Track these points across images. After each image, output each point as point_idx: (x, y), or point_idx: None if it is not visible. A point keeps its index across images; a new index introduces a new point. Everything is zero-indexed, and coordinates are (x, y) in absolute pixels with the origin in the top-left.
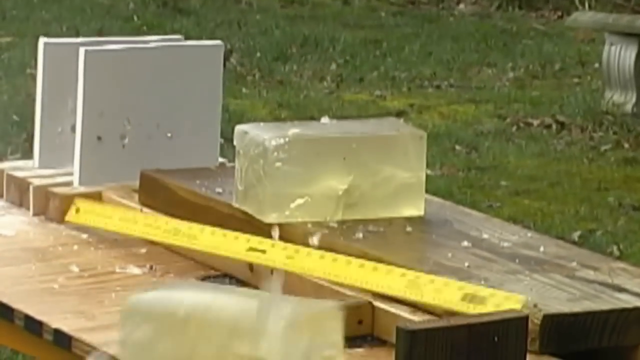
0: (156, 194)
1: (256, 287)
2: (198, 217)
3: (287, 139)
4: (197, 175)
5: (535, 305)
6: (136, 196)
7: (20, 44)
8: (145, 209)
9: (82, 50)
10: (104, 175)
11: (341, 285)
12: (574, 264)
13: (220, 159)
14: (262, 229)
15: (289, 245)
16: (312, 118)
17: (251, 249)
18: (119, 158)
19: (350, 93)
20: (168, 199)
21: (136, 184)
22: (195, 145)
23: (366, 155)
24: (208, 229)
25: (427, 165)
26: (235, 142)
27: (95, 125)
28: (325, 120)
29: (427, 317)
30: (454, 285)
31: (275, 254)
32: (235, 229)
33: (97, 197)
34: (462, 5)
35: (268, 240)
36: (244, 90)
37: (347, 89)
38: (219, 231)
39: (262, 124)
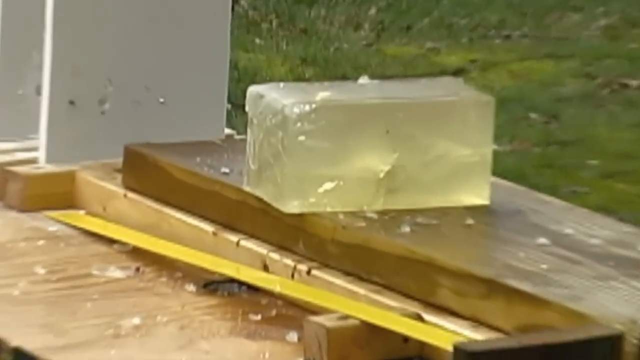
0: (145, 174)
1: (272, 294)
2: (199, 205)
3: (313, 106)
4: (197, 151)
5: (634, 322)
6: (119, 177)
7: None
8: (130, 194)
9: None
10: (78, 150)
11: (381, 293)
12: None
13: (227, 131)
14: (280, 221)
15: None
16: (345, 78)
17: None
18: (97, 128)
19: (394, 45)
20: (160, 182)
21: (119, 161)
22: (195, 112)
23: (415, 126)
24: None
25: (494, 139)
26: (247, 109)
27: (67, 86)
28: (362, 80)
29: (491, 334)
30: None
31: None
32: (246, 219)
33: (69, 177)
34: None
35: (261, 274)
36: (257, 41)
37: (390, 40)
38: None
39: (281, 84)
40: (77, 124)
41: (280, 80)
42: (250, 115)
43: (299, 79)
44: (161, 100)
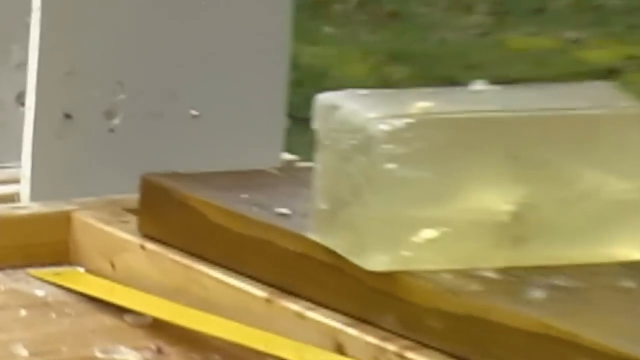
0: (169, 216)
1: None
2: (245, 260)
3: (408, 121)
4: (243, 184)
5: None
6: (133, 220)
7: None
8: (148, 244)
9: None
10: (75, 181)
11: None
12: None
13: (286, 156)
14: (360, 283)
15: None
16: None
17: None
18: (102, 152)
19: (519, 35)
20: (191, 227)
21: (133, 198)
22: (240, 129)
23: (552, 149)
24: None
25: None
26: (314, 125)
27: (61, 93)
28: (477, 85)
29: None
30: None
31: None
32: (312, 281)
33: (62, 221)
34: None
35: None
36: (327, 29)
37: (515, 27)
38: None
39: (362, 91)
40: (75, 146)
41: (360, 83)
42: (319, 134)
43: (387, 82)
44: (193, 112)
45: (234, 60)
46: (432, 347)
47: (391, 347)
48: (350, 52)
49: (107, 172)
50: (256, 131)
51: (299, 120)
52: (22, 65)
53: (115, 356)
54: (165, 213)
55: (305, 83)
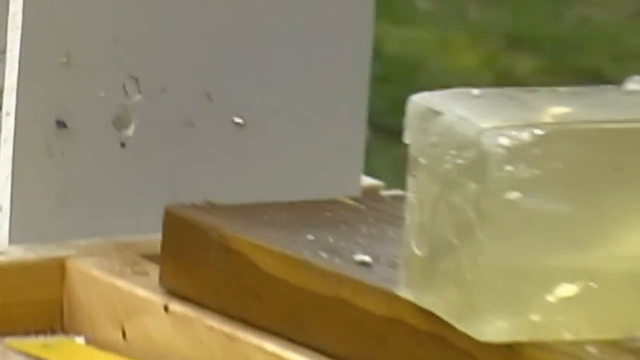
0: (203, 265)
1: None
2: (310, 326)
3: (538, 132)
4: (307, 220)
5: None
6: (152, 270)
7: None
8: (174, 304)
9: None
10: (71, 215)
11: None
12: None
13: (367, 180)
14: (472, 358)
15: None
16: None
17: None
18: (110, 174)
19: None
20: (234, 280)
21: (153, 240)
22: (302, 143)
23: None
24: None
25: None
26: (406, 138)
27: (53, 91)
28: (633, 83)
29: None
30: None
31: None
32: (403, 354)
33: (54, 272)
34: None
35: None
36: (422, 4)
37: None
38: None
39: (472, 90)
40: (72, 166)
41: (470, 80)
42: (412, 150)
43: (507, 78)
44: (236, 120)
45: (292, 46)
46: None
47: None
48: (455, 35)
49: (116, 202)
50: (324, 146)
51: (384, 131)
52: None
53: None
54: (197, 261)
55: (392, 79)
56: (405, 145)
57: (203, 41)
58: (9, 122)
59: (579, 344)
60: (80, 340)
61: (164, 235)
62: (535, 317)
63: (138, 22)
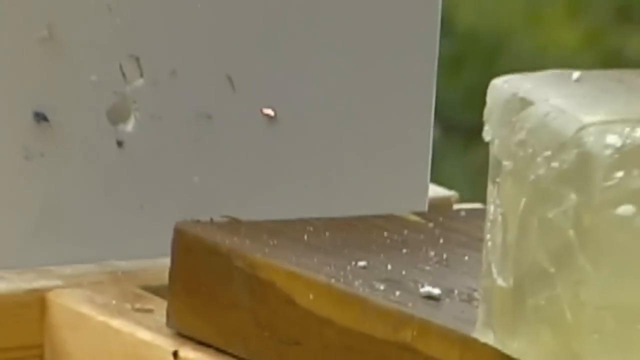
0: (223, 298)
1: None
2: None
3: None
4: (358, 242)
5: None
6: (159, 306)
7: None
8: (185, 351)
9: None
10: (54, 235)
11: None
12: None
13: (435, 190)
14: None
15: None
16: None
17: None
18: (104, 181)
19: None
20: (263, 318)
21: (157, 266)
22: (350, 143)
23: None
24: None
25: None
26: (486, 135)
27: (31, 75)
28: None
29: None
30: None
31: None
32: None
33: (33, 308)
34: None
35: None
36: None
37: None
38: None
39: (571, 73)
40: (55, 171)
41: (568, 61)
42: (495, 150)
43: (616, 59)
44: (266, 111)
45: (337, 17)
46: None
47: None
48: (549, 5)
49: (112, 219)
50: (379, 146)
51: (457, 129)
52: None
53: None
54: (217, 294)
55: (467, 62)
56: (485, 145)
57: (224, 9)
58: None
59: None
60: None
61: (174, 262)
62: None
63: None
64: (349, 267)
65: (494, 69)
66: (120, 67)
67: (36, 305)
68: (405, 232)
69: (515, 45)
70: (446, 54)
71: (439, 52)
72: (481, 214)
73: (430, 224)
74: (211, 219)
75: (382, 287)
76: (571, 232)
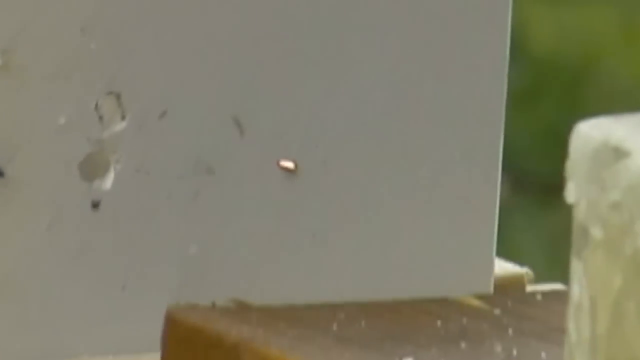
0: None
1: None
2: None
3: None
4: (404, 333)
5: None
6: None
7: None
8: None
9: None
10: (11, 329)
11: None
12: None
13: (503, 266)
14: None
15: None
16: None
17: None
18: (75, 253)
19: None
20: None
21: None
22: (392, 201)
23: None
24: None
25: None
26: (569, 195)
27: None
28: None
29: None
30: None
31: None
32: None
33: None
34: None
35: None
36: None
37: None
38: None
39: None
40: (13, 243)
41: None
42: (581, 215)
43: None
44: (285, 164)
45: (372, 44)
46: None
47: None
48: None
49: (85, 304)
50: (429, 210)
51: (531, 185)
52: None
53: None
54: None
55: (545, 95)
56: (567, 207)
57: (230, 33)
58: None
59: None
60: None
61: (165, 357)
62: None
63: (121, 3)
64: None
65: (579, 104)
66: (97, 106)
67: None
68: (464, 320)
69: (606, 72)
70: (517, 86)
71: (507, 84)
72: (562, 297)
73: (497, 310)
74: (213, 303)
75: None
76: None
